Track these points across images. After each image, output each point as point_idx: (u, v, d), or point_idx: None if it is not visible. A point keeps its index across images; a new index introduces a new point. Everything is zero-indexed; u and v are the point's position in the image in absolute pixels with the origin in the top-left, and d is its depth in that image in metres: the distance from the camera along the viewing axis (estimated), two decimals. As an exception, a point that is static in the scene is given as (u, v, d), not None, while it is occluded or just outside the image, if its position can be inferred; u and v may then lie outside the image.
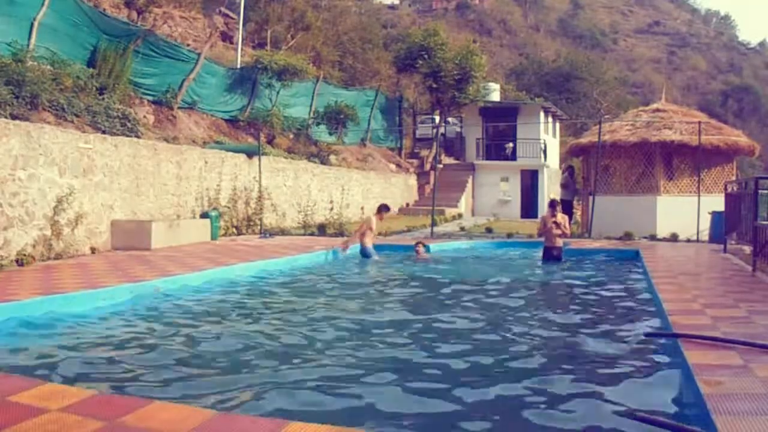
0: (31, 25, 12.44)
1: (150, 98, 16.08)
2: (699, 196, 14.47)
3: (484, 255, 12.56)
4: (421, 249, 11.80)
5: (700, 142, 14.95)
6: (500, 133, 29.43)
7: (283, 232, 15.66)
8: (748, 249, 9.48)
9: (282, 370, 4.40)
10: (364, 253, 11.38)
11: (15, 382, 3.62)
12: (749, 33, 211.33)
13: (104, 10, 17.45)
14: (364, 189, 22.01)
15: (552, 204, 11.40)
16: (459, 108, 28.27)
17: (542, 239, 11.16)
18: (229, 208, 14.66)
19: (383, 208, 11.83)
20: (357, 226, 12.02)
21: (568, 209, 15.96)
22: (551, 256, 10.90)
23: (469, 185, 27.29)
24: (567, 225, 11.31)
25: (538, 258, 11.19)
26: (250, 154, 15.79)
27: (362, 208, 19.77)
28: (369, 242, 11.51)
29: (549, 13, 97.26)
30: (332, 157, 21.61)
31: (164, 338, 5.36)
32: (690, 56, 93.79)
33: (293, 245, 12.43)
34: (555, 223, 10.82)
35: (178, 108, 16.90)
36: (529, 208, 27.09)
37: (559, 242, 11.05)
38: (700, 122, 15.52)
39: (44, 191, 9.57)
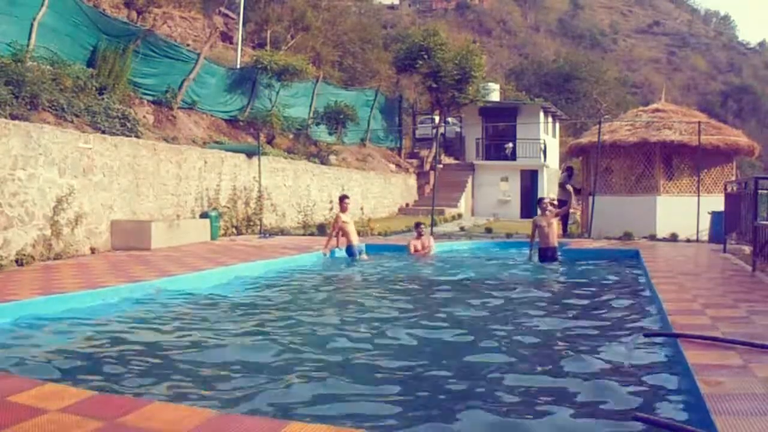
0: (31, 25, 12.42)
1: (150, 98, 16.07)
2: (699, 196, 14.46)
3: (482, 255, 12.56)
4: (423, 231, 11.84)
5: (699, 142, 14.95)
6: (500, 133, 29.42)
7: (282, 232, 15.65)
8: (747, 249, 9.49)
9: (284, 370, 4.40)
10: (350, 252, 11.35)
11: (15, 382, 3.62)
12: (749, 33, 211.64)
13: (104, 10, 17.44)
14: (364, 189, 22.01)
15: (540, 202, 11.51)
16: (459, 108, 28.27)
17: (537, 240, 11.20)
18: (228, 208, 14.66)
19: (343, 198, 11.74)
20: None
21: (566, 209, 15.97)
22: (547, 256, 10.92)
23: (469, 185, 27.28)
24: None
25: (526, 256, 11.22)
26: (249, 154, 15.79)
27: (362, 208, 19.78)
28: (354, 239, 11.44)
29: (549, 13, 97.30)
30: (332, 157, 21.61)
31: (164, 338, 5.36)
32: (690, 56, 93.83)
33: (293, 245, 12.43)
34: (557, 214, 11.03)
35: (178, 108, 16.89)
36: (528, 208, 27.06)
37: (555, 242, 11.09)
38: (699, 122, 15.51)
39: (44, 191, 9.57)
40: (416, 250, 11.77)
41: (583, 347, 5.05)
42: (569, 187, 15.48)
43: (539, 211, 11.39)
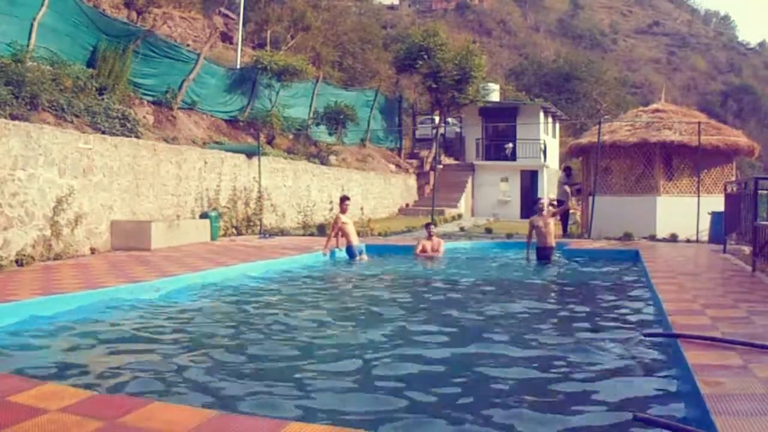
0: (31, 25, 12.42)
1: (150, 98, 16.07)
2: (699, 196, 14.47)
3: (482, 255, 12.55)
4: (433, 231, 11.85)
5: (699, 142, 14.95)
6: (500, 133, 29.43)
7: (282, 232, 15.65)
8: (747, 249, 9.48)
9: (285, 369, 4.40)
10: (350, 253, 11.36)
11: (15, 382, 3.62)
12: (749, 33, 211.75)
13: (104, 10, 17.44)
14: (364, 189, 22.01)
15: (536, 202, 11.64)
16: (459, 108, 28.27)
17: (534, 240, 11.25)
18: (228, 208, 14.65)
19: (343, 199, 11.76)
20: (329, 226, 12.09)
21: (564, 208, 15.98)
22: (544, 256, 10.98)
23: (469, 185, 27.29)
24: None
25: (524, 258, 11.23)
26: (249, 155, 15.79)
27: (362, 208, 19.78)
28: (354, 239, 11.46)
29: (549, 13, 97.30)
30: (332, 158, 21.61)
31: (164, 339, 5.36)
32: (690, 56, 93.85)
33: (293, 245, 12.43)
34: (554, 214, 11.16)
35: (178, 108, 16.89)
36: (528, 209, 27.04)
37: (552, 242, 11.13)
38: (699, 122, 15.51)
39: (44, 191, 9.57)
40: (425, 251, 11.75)
41: (583, 347, 5.05)
42: (566, 187, 15.51)
43: (538, 212, 11.46)
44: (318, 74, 24.39)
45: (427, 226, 12.37)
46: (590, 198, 15.56)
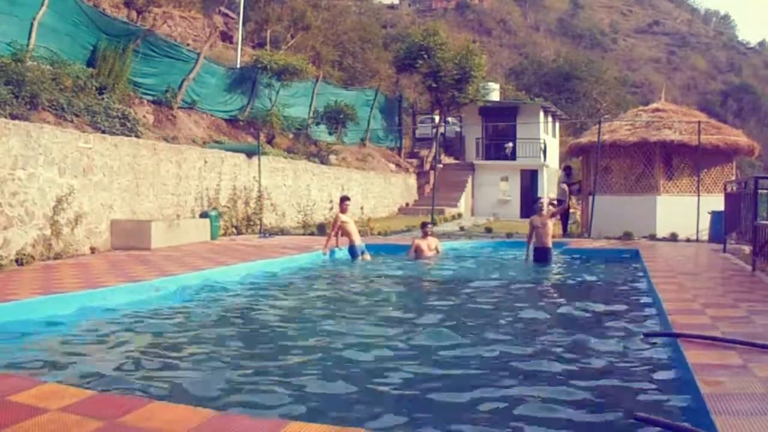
0: (31, 24, 12.42)
1: (150, 98, 16.07)
2: (699, 195, 14.47)
3: (481, 255, 12.55)
4: (430, 231, 11.79)
5: (699, 141, 14.95)
6: (500, 132, 29.42)
7: (282, 231, 15.66)
8: (747, 249, 9.49)
9: (287, 370, 4.40)
10: (352, 253, 11.34)
11: (15, 382, 3.62)
12: (749, 33, 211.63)
13: (104, 9, 17.42)
14: (364, 189, 22.01)
15: (536, 201, 11.67)
16: (459, 108, 28.27)
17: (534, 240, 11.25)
18: (228, 207, 14.65)
19: (343, 200, 11.68)
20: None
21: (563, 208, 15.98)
22: (541, 256, 10.95)
23: (469, 185, 27.29)
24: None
25: (523, 257, 11.21)
26: (249, 154, 15.79)
27: (362, 208, 19.78)
28: (356, 239, 11.42)
29: (549, 12, 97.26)
30: (332, 157, 21.61)
31: (163, 338, 5.36)
32: (690, 56, 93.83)
33: (293, 245, 12.43)
34: (553, 214, 11.22)
35: (178, 108, 16.89)
36: (528, 208, 27.04)
37: (550, 243, 11.12)
38: (699, 122, 15.51)
39: (44, 191, 9.57)
40: (420, 251, 11.63)
41: (583, 347, 5.05)
42: (564, 186, 15.51)
43: (538, 211, 11.44)
44: (318, 74, 24.39)
45: (424, 225, 12.17)
46: (590, 197, 15.56)
